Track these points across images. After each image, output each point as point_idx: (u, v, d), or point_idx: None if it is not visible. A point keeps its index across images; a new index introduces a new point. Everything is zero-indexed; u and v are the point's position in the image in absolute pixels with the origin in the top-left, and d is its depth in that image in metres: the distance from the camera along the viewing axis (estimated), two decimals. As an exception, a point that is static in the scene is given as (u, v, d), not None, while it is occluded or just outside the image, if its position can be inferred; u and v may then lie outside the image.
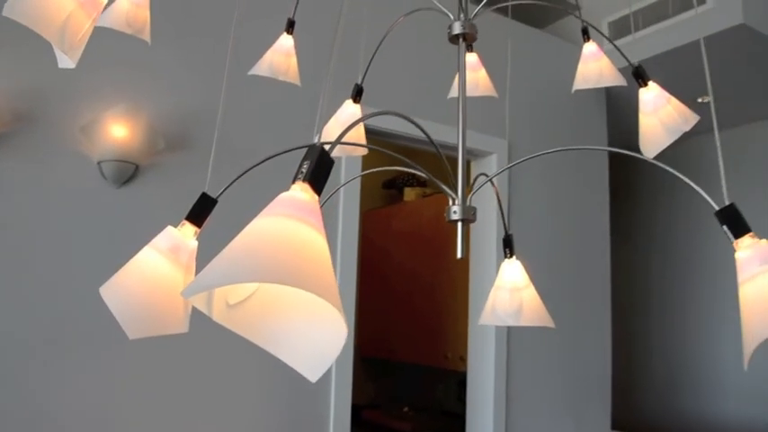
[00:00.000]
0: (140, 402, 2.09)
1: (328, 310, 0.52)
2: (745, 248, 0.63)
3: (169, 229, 0.73)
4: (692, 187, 0.70)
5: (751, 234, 0.64)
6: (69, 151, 2.06)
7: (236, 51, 2.30)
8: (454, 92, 1.31)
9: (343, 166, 2.60)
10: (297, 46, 1.35)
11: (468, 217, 0.79)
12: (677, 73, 3.28)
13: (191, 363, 2.19)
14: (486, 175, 0.90)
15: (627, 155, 0.82)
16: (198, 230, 0.74)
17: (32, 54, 1.89)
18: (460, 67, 0.88)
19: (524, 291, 1.02)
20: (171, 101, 2.26)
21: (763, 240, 0.63)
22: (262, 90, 2.41)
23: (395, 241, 4.50)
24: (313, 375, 0.51)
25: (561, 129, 3.44)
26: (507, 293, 1.02)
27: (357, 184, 2.70)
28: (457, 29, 0.88)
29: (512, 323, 1.01)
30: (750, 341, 0.58)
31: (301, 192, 0.53)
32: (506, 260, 1.06)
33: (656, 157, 1.02)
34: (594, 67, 1.27)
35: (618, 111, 3.70)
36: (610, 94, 3.67)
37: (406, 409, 4.42)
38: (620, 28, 3.43)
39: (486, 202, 3.06)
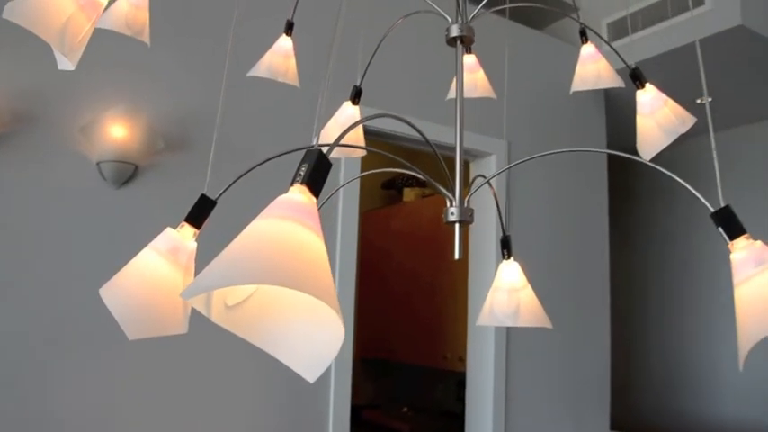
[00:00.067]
0: (140, 402, 2.09)
1: (326, 312, 0.52)
2: (741, 250, 0.64)
3: (168, 230, 0.73)
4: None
5: (746, 235, 0.64)
6: (69, 152, 2.06)
7: (235, 52, 2.30)
8: (452, 94, 1.32)
9: (342, 166, 2.60)
10: (296, 47, 1.35)
11: (466, 218, 0.79)
12: (676, 74, 3.29)
13: (190, 363, 2.19)
14: (484, 177, 0.90)
15: (627, 156, 0.82)
16: (197, 232, 0.75)
17: (32, 55, 1.89)
18: (458, 71, 0.88)
19: (522, 292, 1.02)
20: (170, 102, 2.27)
21: (758, 242, 0.64)
22: (261, 91, 2.41)
23: (394, 242, 4.50)
24: (311, 376, 0.52)
25: (560, 130, 3.44)
26: (505, 294, 1.03)
27: (356, 185, 2.70)
28: (454, 32, 0.88)
29: (509, 324, 1.02)
30: (745, 342, 0.59)
31: (299, 194, 0.53)
32: (504, 261, 1.07)
33: (653, 159, 1.02)
34: (592, 68, 1.27)
35: (617, 112, 3.71)
36: (609, 95, 3.67)
37: (405, 409, 4.43)
38: (619, 29, 3.43)
39: (486, 202, 3.07)
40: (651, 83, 1.14)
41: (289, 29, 1.35)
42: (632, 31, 3.35)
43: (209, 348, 2.20)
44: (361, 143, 1.30)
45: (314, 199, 0.54)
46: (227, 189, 0.74)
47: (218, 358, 2.23)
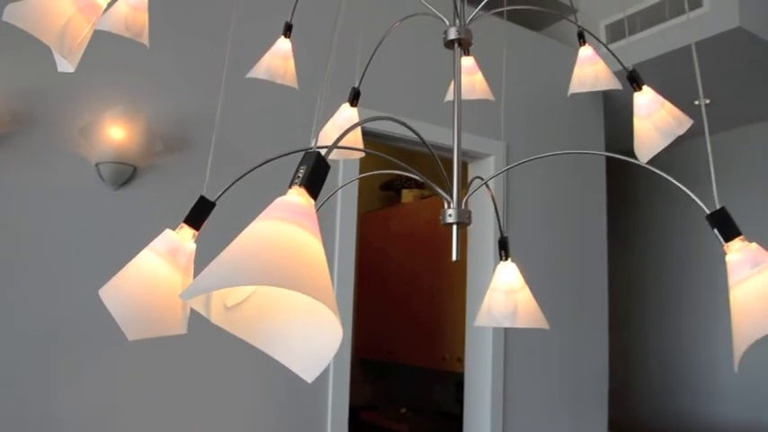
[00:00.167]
0: (140, 402, 2.09)
1: (324, 313, 0.52)
2: (736, 251, 0.64)
3: (167, 231, 0.74)
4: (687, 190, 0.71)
5: (741, 237, 0.65)
6: (67, 153, 2.06)
7: (233, 54, 2.31)
8: (450, 96, 1.32)
9: (340, 168, 2.60)
10: (294, 49, 1.36)
11: (464, 220, 0.80)
12: (675, 75, 3.29)
13: (190, 364, 2.19)
14: (482, 179, 0.91)
15: (623, 158, 0.82)
16: (196, 233, 0.75)
17: (31, 56, 1.90)
18: (455, 74, 0.89)
19: (519, 293, 1.03)
20: (169, 103, 2.27)
21: (754, 244, 0.64)
22: (259, 93, 2.42)
23: (392, 243, 4.51)
24: (309, 376, 0.52)
25: (559, 131, 3.45)
26: (503, 295, 1.03)
27: (355, 186, 2.71)
28: (452, 34, 0.89)
29: (507, 325, 1.02)
30: (740, 343, 0.59)
31: (298, 196, 0.53)
32: (502, 262, 1.07)
33: (651, 161, 1.03)
34: (590, 70, 1.28)
35: (615, 113, 3.71)
36: (607, 96, 3.68)
37: (403, 410, 4.43)
38: (618, 31, 3.44)
39: (484, 204, 3.07)
40: (650, 84, 1.14)
41: (287, 31, 1.35)
42: (631, 33, 3.36)
43: (209, 349, 2.20)
44: (360, 145, 1.31)
45: (312, 201, 0.54)
46: (225, 191, 0.75)
47: (217, 359, 2.23)
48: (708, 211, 0.66)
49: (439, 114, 2.82)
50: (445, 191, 0.82)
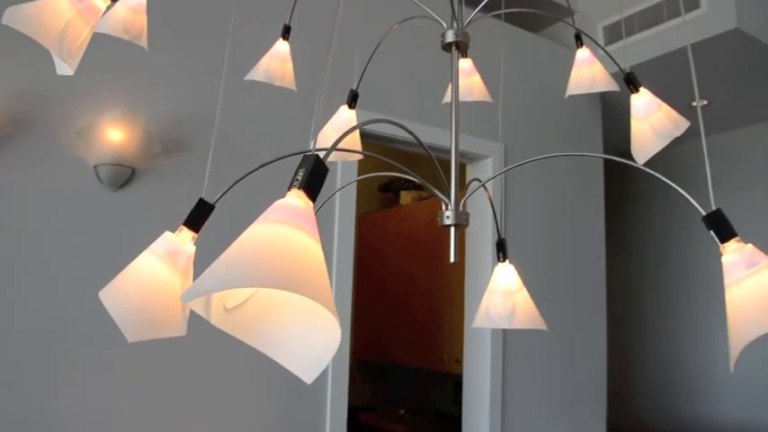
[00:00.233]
0: (140, 402, 2.09)
1: (323, 314, 0.53)
2: (732, 252, 0.65)
3: (167, 234, 0.74)
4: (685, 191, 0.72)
5: (737, 238, 0.65)
6: (66, 155, 2.07)
7: (232, 56, 2.31)
8: (448, 98, 1.32)
9: (339, 170, 2.61)
10: (293, 51, 1.36)
11: (461, 222, 0.80)
12: (673, 77, 3.31)
13: (190, 364, 2.19)
14: (480, 180, 0.91)
15: (620, 160, 0.83)
16: (195, 235, 0.76)
17: (29, 58, 1.90)
18: (453, 76, 0.89)
19: (517, 294, 1.03)
20: (167, 105, 2.28)
21: (749, 245, 0.64)
22: (258, 95, 2.42)
23: (391, 244, 4.51)
24: (308, 377, 0.52)
25: (557, 132, 3.45)
26: (500, 297, 1.03)
27: (353, 188, 2.71)
28: (450, 37, 0.89)
29: (505, 326, 1.03)
30: (736, 344, 0.60)
31: (296, 198, 0.54)
32: (500, 264, 1.07)
33: (648, 162, 1.03)
34: (587, 72, 1.28)
35: (614, 115, 3.72)
36: (605, 98, 3.69)
37: (402, 411, 4.43)
38: (615, 32, 3.45)
39: (482, 205, 3.08)
40: (648, 85, 1.15)
41: (286, 33, 1.35)
42: (629, 35, 3.37)
43: (208, 349, 2.20)
44: (358, 146, 1.31)
45: (311, 203, 0.55)
46: (224, 193, 0.75)
47: (216, 359, 2.23)
48: (704, 213, 0.67)
49: (437, 116, 2.82)
50: (443, 193, 0.82)
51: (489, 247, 3.05)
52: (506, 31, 3.31)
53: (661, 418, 4.43)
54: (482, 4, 1.06)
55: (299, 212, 0.53)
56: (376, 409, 4.59)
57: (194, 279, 0.67)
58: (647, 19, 3.27)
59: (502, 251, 1.07)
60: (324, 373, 2.47)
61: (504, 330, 3.03)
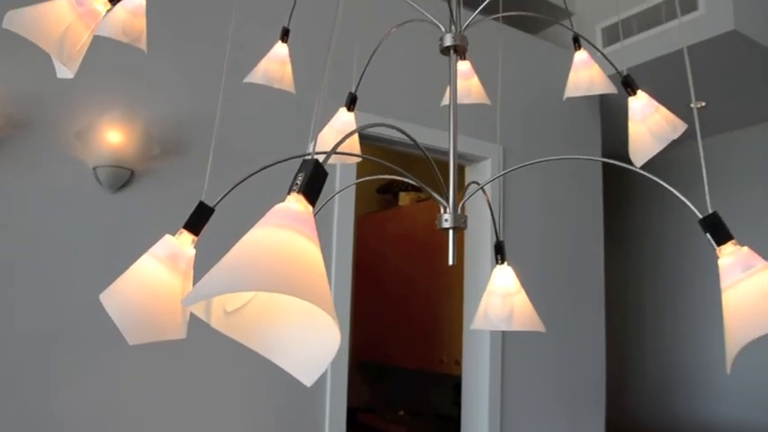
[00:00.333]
0: (140, 402, 2.10)
1: (322, 317, 0.53)
2: (728, 255, 0.65)
3: (167, 237, 0.74)
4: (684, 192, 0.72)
5: (733, 241, 0.66)
6: (65, 157, 2.07)
7: (231, 59, 2.31)
8: (447, 101, 1.33)
9: (338, 172, 2.61)
10: (291, 54, 1.37)
11: (459, 225, 0.81)
12: (671, 78, 3.31)
13: (189, 366, 2.20)
14: (478, 183, 0.91)
15: (620, 162, 0.83)
16: (195, 239, 0.76)
17: (28, 60, 1.90)
18: (451, 79, 0.89)
19: (516, 296, 1.04)
20: (166, 107, 2.28)
21: (745, 248, 0.65)
22: (256, 98, 2.42)
23: (390, 246, 4.51)
24: (308, 380, 0.53)
25: (555, 134, 3.46)
26: (499, 299, 1.04)
27: (352, 190, 2.72)
28: (448, 41, 0.90)
29: (504, 328, 1.03)
30: (732, 346, 0.60)
31: (296, 203, 0.54)
32: (498, 266, 1.08)
33: (646, 164, 1.04)
34: (585, 74, 1.29)
35: (612, 117, 3.73)
36: (604, 100, 3.69)
37: (401, 412, 4.43)
38: (614, 34, 3.46)
39: (481, 207, 3.08)
40: (645, 87, 1.15)
41: (285, 35, 1.36)
42: (627, 36, 3.37)
43: (208, 351, 2.20)
44: (357, 149, 1.31)
45: (310, 207, 0.55)
46: (224, 196, 0.75)
47: (216, 361, 2.24)
48: (700, 216, 0.67)
49: (436, 118, 2.83)
50: (442, 195, 0.82)
51: (488, 249, 3.06)
52: (504, 33, 3.31)
53: (659, 417, 4.43)
54: (480, 7, 1.06)
55: (299, 217, 0.53)
56: (375, 410, 4.59)
57: (194, 282, 0.67)
58: (646, 20, 3.28)
59: (500, 253, 1.07)
60: (323, 374, 2.46)
61: (503, 332, 3.03)
